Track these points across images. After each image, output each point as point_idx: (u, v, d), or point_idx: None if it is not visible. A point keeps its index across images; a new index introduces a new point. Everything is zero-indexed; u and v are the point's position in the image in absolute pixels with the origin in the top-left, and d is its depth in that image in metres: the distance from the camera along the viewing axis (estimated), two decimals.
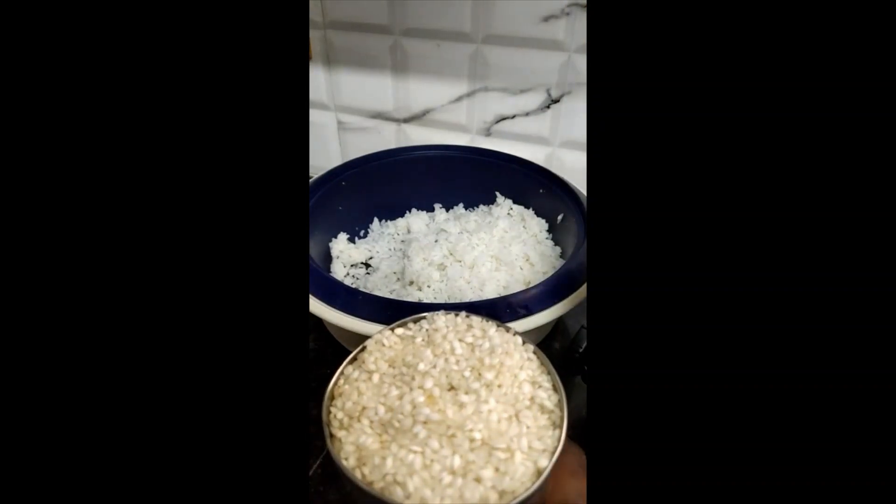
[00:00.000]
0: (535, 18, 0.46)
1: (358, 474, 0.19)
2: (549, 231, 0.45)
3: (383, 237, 0.48)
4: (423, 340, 0.23)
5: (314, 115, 0.60)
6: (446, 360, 0.22)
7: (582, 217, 0.40)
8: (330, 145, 0.62)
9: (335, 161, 0.54)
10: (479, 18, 0.47)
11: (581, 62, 0.47)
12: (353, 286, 0.40)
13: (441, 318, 0.25)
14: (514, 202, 0.48)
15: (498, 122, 0.53)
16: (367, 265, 0.46)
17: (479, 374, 0.21)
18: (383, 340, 0.24)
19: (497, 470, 0.19)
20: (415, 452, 0.19)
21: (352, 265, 0.46)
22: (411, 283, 0.41)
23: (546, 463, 0.19)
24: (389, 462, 0.19)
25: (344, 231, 0.47)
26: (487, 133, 0.54)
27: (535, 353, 0.23)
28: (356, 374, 0.22)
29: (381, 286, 0.42)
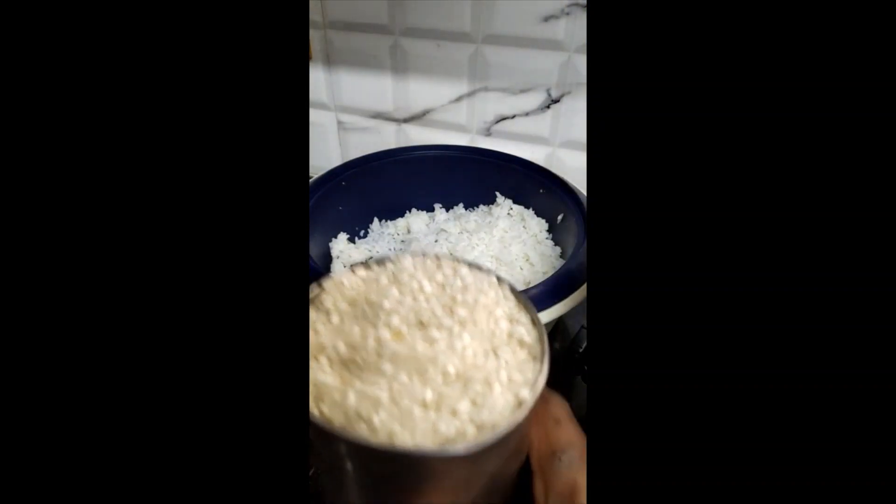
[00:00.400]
0: (536, 18, 0.46)
1: (315, 413, 0.17)
2: (549, 231, 0.45)
3: (383, 237, 0.48)
4: (387, 280, 0.21)
5: (314, 115, 0.60)
6: (414, 298, 0.20)
7: (582, 217, 0.40)
8: (330, 145, 0.62)
9: (335, 161, 0.54)
10: (480, 18, 0.47)
11: (581, 62, 0.47)
12: None
13: (408, 259, 0.22)
14: (514, 202, 0.48)
15: (498, 122, 0.53)
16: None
17: (452, 311, 0.19)
18: (343, 280, 0.22)
19: (474, 403, 0.17)
20: (381, 387, 0.17)
21: (352, 265, 0.45)
22: None
23: (527, 394, 0.18)
24: (352, 397, 0.17)
25: (344, 231, 0.47)
26: (487, 133, 0.54)
27: (511, 291, 0.22)
28: (313, 315, 0.20)
29: None
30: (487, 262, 0.41)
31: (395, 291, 0.20)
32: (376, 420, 0.16)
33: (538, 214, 0.46)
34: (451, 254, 0.24)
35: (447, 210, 0.51)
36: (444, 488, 0.17)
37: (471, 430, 0.16)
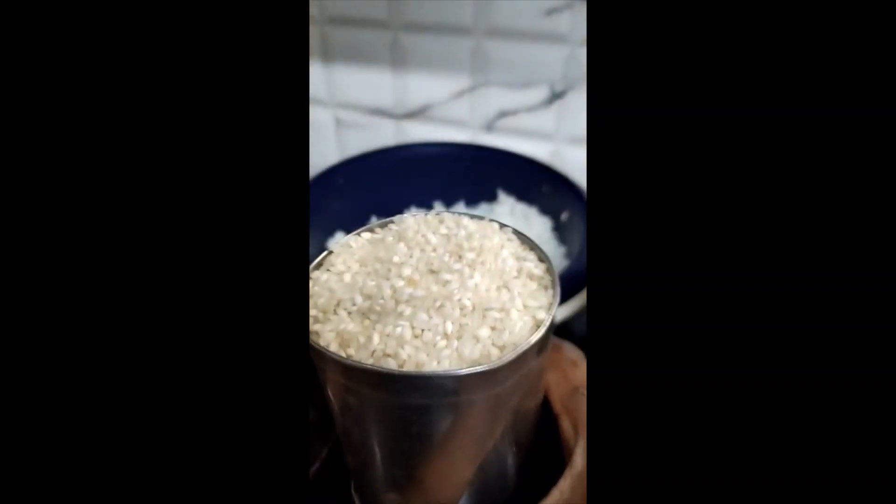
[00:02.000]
0: (538, 11, 0.45)
1: (342, 355, 0.18)
2: (553, 230, 0.44)
3: None
4: (393, 238, 0.22)
5: (311, 111, 0.60)
6: (422, 249, 0.21)
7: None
8: (327, 142, 0.62)
9: (332, 159, 0.53)
10: (481, 11, 0.47)
11: (585, 56, 0.46)
12: None
13: (409, 218, 0.23)
14: (518, 200, 0.47)
15: (500, 117, 0.52)
16: None
17: (460, 257, 0.20)
18: (350, 243, 0.22)
19: (494, 328, 0.18)
20: (402, 325, 0.18)
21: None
22: None
23: (544, 315, 0.18)
24: (376, 338, 0.18)
25: (341, 230, 0.46)
26: (489, 129, 0.53)
27: (514, 233, 0.22)
28: (325, 276, 0.21)
29: None
30: None
31: (402, 247, 0.21)
32: (403, 354, 0.17)
33: (542, 213, 0.45)
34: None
35: (448, 208, 0.50)
36: (472, 422, 0.18)
37: (494, 352, 0.17)
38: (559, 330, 0.40)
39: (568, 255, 0.42)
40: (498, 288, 0.19)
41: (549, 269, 0.21)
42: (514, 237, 0.22)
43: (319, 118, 0.60)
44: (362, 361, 0.17)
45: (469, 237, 0.21)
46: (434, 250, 0.21)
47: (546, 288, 0.20)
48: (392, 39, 0.51)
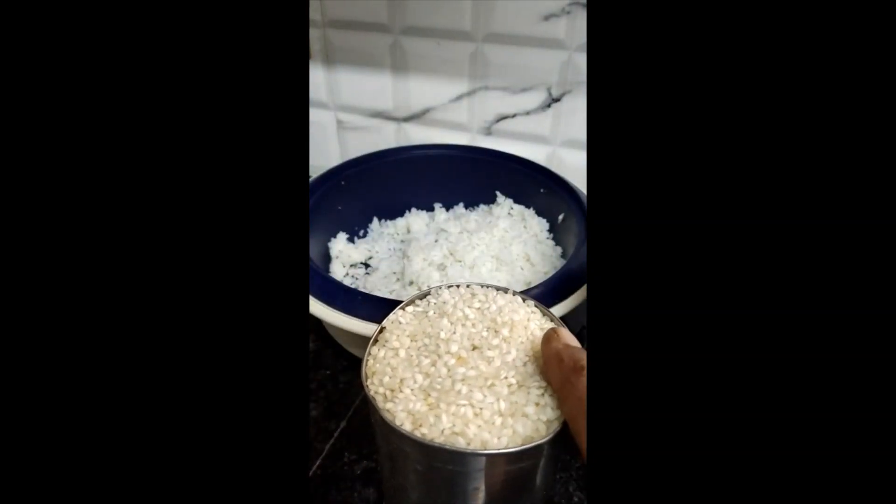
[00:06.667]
0: (536, 17, 0.45)
1: (418, 435, 0.20)
2: (549, 231, 0.45)
3: (383, 237, 0.48)
4: (435, 313, 0.25)
5: (313, 114, 0.60)
6: (463, 325, 0.24)
7: (583, 217, 0.40)
8: (329, 144, 0.62)
9: (334, 160, 0.54)
10: (480, 17, 0.47)
11: (582, 61, 0.47)
12: (353, 286, 0.39)
13: (445, 291, 0.26)
14: (515, 202, 0.48)
15: (498, 121, 0.53)
16: (367, 265, 0.46)
17: (496, 332, 0.24)
18: (399, 319, 0.25)
19: (537, 405, 0.21)
20: (464, 405, 0.21)
21: (351, 265, 0.45)
22: (411, 283, 0.41)
23: None
24: (445, 418, 0.20)
25: (343, 231, 0.47)
26: (488, 132, 0.54)
27: (536, 306, 0.26)
28: (382, 353, 0.24)
29: (380, 286, 0.42)
30: (488, 262, 0.41)
31: (446, 322, 0.24)
32: (470, 433, 0.20)
33: (539, 214, 0.46)
34: (480, 283, 0.27)
35: (447, 210, 0.50)
36: (523, 481, 0.22)
37: (541, 427, 0.21)
38: None
39: (564, 255, 0.43)
40: (531, 360, 0.23)
41: None
42: (536, 309, 0.26)
43: (321, 120, 0.60)
44: (435, 440, 0.20)
45: (500, 311, 0.24)
46: (473, 326, 0.24)
47: None
48: (393, 43, 0.52)
